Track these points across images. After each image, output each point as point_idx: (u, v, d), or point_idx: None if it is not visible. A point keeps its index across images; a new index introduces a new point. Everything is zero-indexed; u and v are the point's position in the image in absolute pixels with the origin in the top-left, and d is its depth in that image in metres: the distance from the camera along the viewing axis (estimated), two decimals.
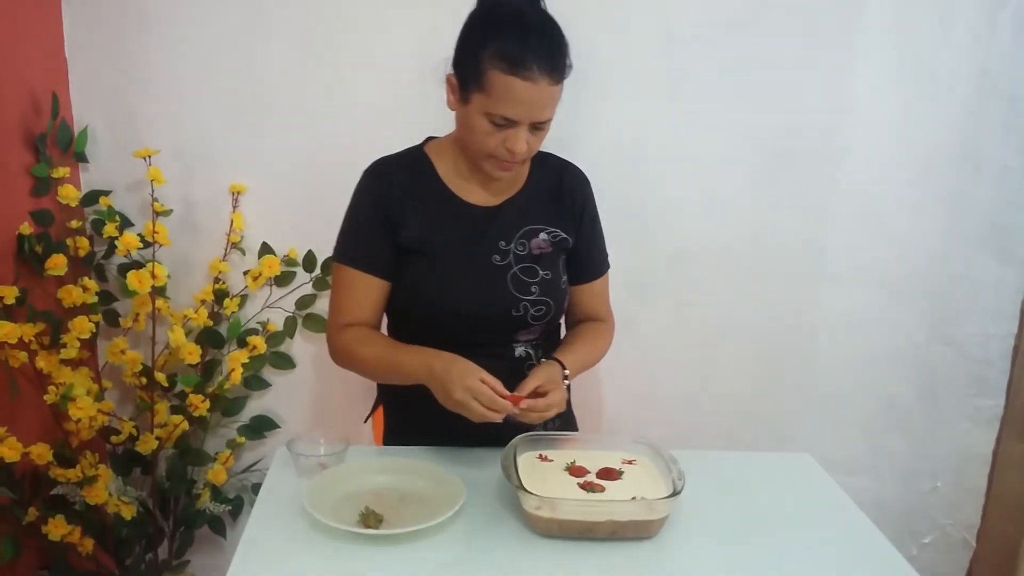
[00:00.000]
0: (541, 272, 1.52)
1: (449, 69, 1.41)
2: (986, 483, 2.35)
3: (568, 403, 1.63)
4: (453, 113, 1.44)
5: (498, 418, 1.32)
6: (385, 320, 1.57)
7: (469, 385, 1.30)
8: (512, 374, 1.49)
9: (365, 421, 1.74)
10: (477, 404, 1.30)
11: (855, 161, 2.10)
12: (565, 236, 1.55)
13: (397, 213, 1.47)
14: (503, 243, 1.50)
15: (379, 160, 1.54)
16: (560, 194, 1.57)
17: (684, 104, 2.03)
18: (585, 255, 1.61)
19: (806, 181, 2.10)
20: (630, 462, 1.40)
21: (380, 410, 1.69)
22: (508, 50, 1.30)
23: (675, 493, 1.25)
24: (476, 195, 1.52)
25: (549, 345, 1.59)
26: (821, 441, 2.21)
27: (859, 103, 2.06)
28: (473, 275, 1.48)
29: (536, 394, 1.37)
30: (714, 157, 2.07)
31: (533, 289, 1.51)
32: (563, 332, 1.66)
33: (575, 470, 1.36)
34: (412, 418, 1.56)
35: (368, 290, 1.49)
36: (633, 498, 1.26)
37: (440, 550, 1.22)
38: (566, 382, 1.46)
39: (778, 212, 2.12)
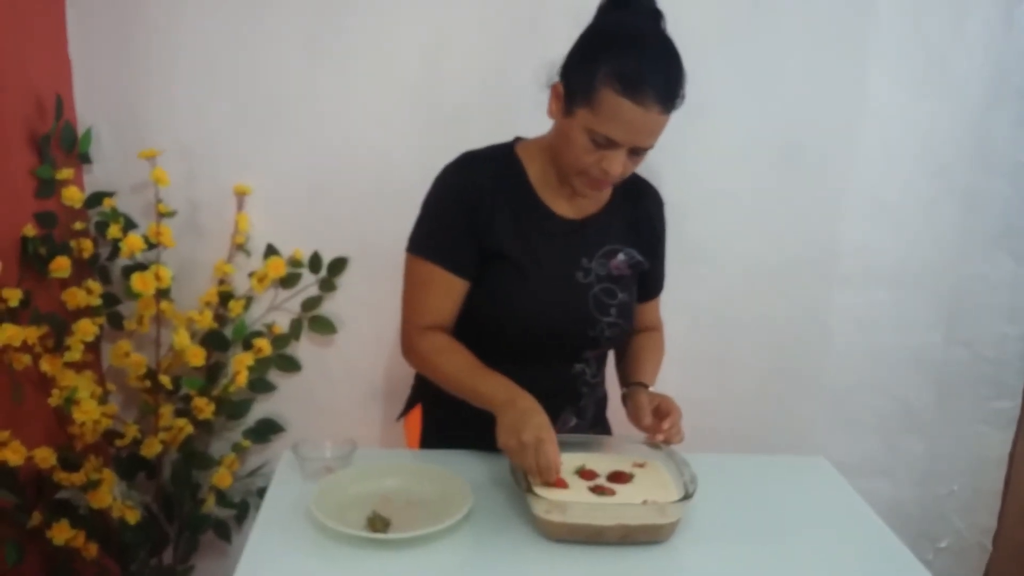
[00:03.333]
0: (620, 294, 1.49)
1: (555, 77, 1.37)
2: (1002, 486, 2.32)
3: (603, 409, 1.66)
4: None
5: (543, 477, 1.27)
6: None
7: (542, 437, 1.26)
8: (567, 390, 1.52)
9: (397, 420, 1.70)
10: (534, 455, 1.26)
11: (868, 160, 2.07)
12: (641, 260, 1.53)
13: (486, 212, 1.41)
14: (585, 260, 1.47)
15: (467, 153, 1.47)
16: (639, 217, 1.55)
17: (695, 103, 2.01)
18: (654, 276, 1.62)
19: (819, 180, 2.08)
20: (641, 465, 1.38)
21: (413, 411, 1.64)
22: (624, 71, 1.26)
23: (687, 497, 1.23)
24: (562, 206, 1.47)
25: (601, 360, 1.60)
26: (835, 444, 2.20)
27: (872, 101, 2.04)
28: (559, 290, 1.45)
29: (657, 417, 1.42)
30: (726, 156, 2.05)
31: (612, 311, 1.48)
32: None
33: (585, 474, 1.34)
34: (454, 420, 1.51)
35: (450, 290, 1.43)
36: (644, 502, 1.24)
37: (448, 554, 1.20)
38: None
39: (791, 212, 2.10)
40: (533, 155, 1.47)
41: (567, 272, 1.46)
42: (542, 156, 1.46)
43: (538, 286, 1.43)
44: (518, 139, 1.52)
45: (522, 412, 1.29)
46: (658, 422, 1.41)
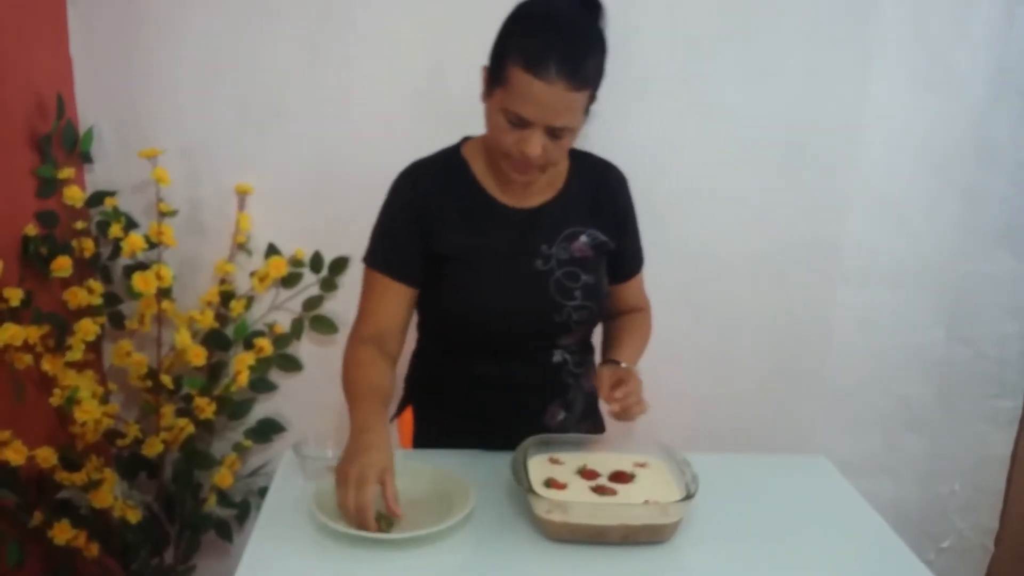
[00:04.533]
0: (584, 276, 1.49)
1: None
2: (1005, 486, 2.32)
3: (594, 403, 1.65)
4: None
5: (355, 519, 1.19)
6: (415, 320, 1.55)
7: (366, 476, 1.18)
8: (552, 383, 1.52)
9: (391, 421, 1.70)
10: (353, 493, 1.18)
11: (870, 158, 2.07)
12: (606, 239, 1.52)
13: (434, 219, 1.44)
14: (545, 247, 1.47)
15: (414, 164, 1.50)
16: (601, 196, 1.54)
17: (698, 102, 2.01)
18: (627, 255, 1.61)
19: (821, 179, 2.08)
20: (642, 465, 1.38)
21: (405, 412, 1.65)
22: (528, 48, 1.28)
23: (688, 496, 1.23)
24: (514, 197, 1.48)
25: (585, 350, 1.59)
26: (837, 443, 2.19)
27: (874, 100, 2.04)
28: (516, 281, 1.45)
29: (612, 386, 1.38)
30: (728, 155, 2.05)
31: (576, 294, 1.48)
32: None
33: (587, 473, 1.34)
34: (445, 419, 1.54)
35: (397, 297, 1.45)
36: (646, 502, 1.24)
37: (450, 554, 1.20)
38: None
39: (793, 210, 2.09)
40: (477, 152, 1.49)
41: (524, 261, 1.46)
42: (485, 149, 1.48)
43: (495, 280, 1.44)
44: (466, 138, 1.53)
45: (362, 446, 1.23)
46: (612, 393, 1.37)
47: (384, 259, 1.46)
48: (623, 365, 1.48)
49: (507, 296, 1.44)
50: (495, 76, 1.33)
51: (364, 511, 1.18)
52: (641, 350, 1.60)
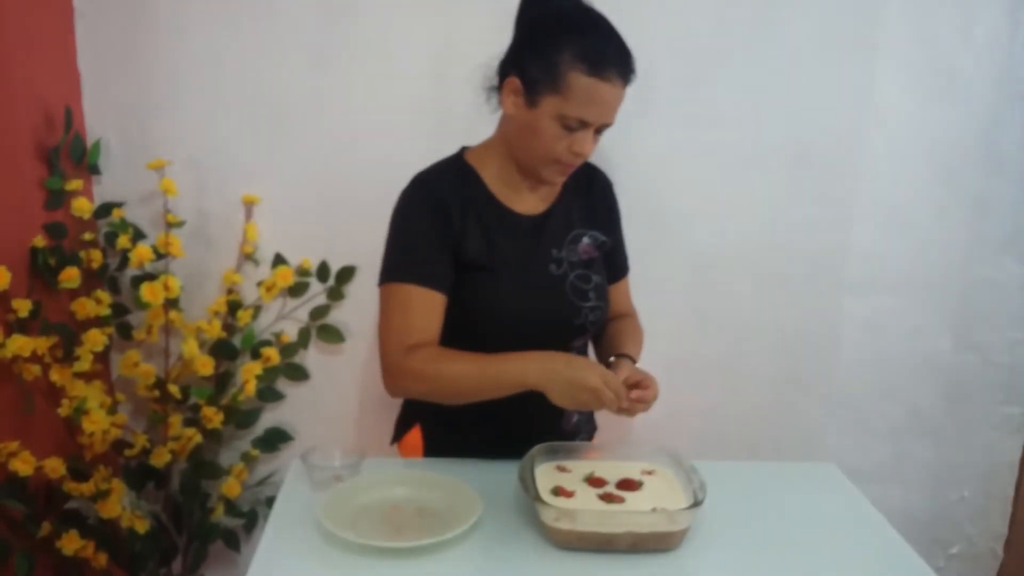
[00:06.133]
0: (594, 277, 1.51)
1: (493, 77, 1.42)
2: (1014, 492, 2.30)
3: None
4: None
5: (623, 407, 1.32)
6: None
7: (602, 373, 1.29)
8: None
9: (392, 444, 1.68)
10: (610, 392, 1.29)
11: (876, 165, 2.07)
12: (604, 239, 1.55)
13: (457, 225, 1.42)
14: (555, 251, 1.48)
15: (424, 173, 1.48)
16: (595, 197, 1.58)
17: (703, 111, 2.02)
18: (617, 255, 1.64)
19: (826, 185, 2.07)
20: (650, 472, 1.38)
21: (407, 434, 1.62)
22: (590, 52, 1.30)
23: (696, 504, 1.23)
24: (522, 204, 1.49)
25: (586, 350, 1.61)
26: (845, 450, 2.19)
27: (880, 106, 2.03)
28: (535, 288, 1.46)
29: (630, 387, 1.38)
30: (733, 162, 2.05)
31: (591, 295, 1.49)
32: None
33: (594, 481, 1.34)
34: (460, 430, 1.52)
35: (431, 306, 1.40)
36: (654, 509, 1.24)
37: (457, 563, 1.20)
38: None
39: (799, 217, 2.09)
40: (484, 160, 1.49)
41: (540, 267, 1.47)
42: (494, 158, 1.48)
43: (516, 288, 1.44)
44: (464, 148, 1.53)
45: (566, 369, 1.30)
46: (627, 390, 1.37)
47: (414, 271, 1.40)
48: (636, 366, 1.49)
49: (530, 303, 1.44)
50: (545, 84, 1.32)
51: (621, 389, 1.30)
52: (641, 351, 1.61)
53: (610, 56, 1.32)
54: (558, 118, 1.33)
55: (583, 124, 1.34)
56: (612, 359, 1.51)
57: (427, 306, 1.40)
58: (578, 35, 1.32)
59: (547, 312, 1.46)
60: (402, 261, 1.42)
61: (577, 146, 1.36)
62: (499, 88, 1.43)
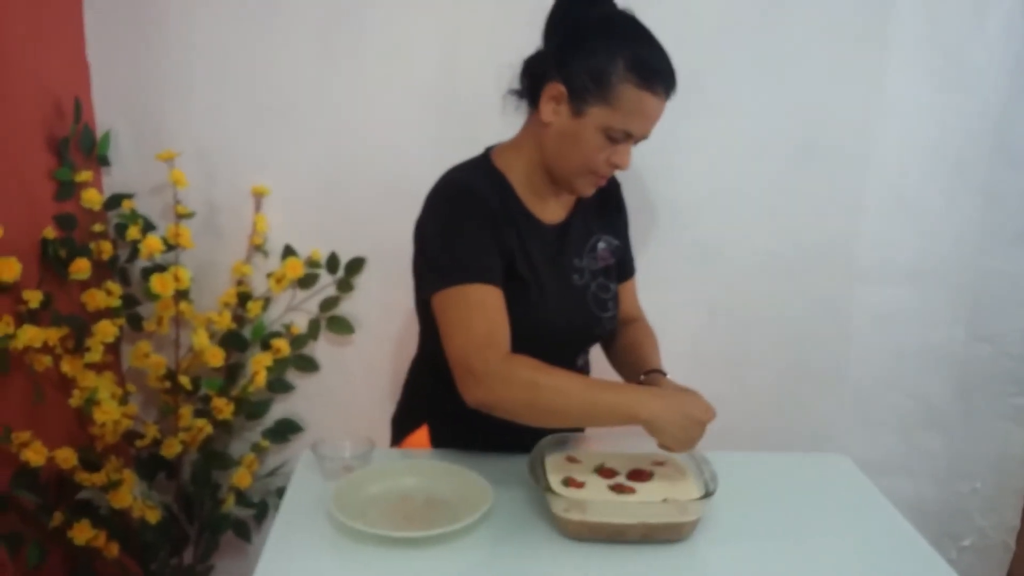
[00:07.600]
0: (612, 286, 1.49)
1: (518, 78, 1.39)
2: None
3: None
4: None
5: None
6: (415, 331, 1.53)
7: (708, 406, 1.27)
8: None
9: (393, 446, 1.64)
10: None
11: (886, 155, 2.05)
12: (618, 243, 1.53)
13: (501, 226, 1.34)
14: (577, 260, 1.46)
15: (456, 171, 1.41)
16: (605, 199, 1.55)
17: (711, 99, 2.00)
18: (626, 255, 1.61)
19: (837, 176, 2.06)
20: (661, 463, 1.37)
21: (413, 434, 1.58)
22: (642, 63, 1.27)
23: (708, 495, 1.23)
24: (546, 212, 1.45)
25: (588, 365, 1.59)
26: (857, 442, 2.18)
27: (890, 96, 2.02)
28: (562, 299, 1.43)
29: None
30: (742, 153, 2.04)
31: (610, 305, 1.48)
32: None
33: (604, 472, 1.33)
34: (464, 434, 1.48)
35: (499, 304, 1.30)
36: (664, 500, 1.23)
37: (467, 554, 1.20)
38: None
39: (809, 208, 2.08)
40: (512, 165, 1.42)
41: (564, 279, 1.44)
42: (521, 163, 1.42)
43: (543, 300, 1.40)
44: (489, 149, 1.47)
45: (686, 403, 1.26)
46: None
47: (478, 268, 1.30)
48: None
49: (557, 315, 1.41)
50: (594, 94, 1.28)
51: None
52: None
53: (661, 69, 1.29)
54: (603, 129, 1.29)
55: (627, 136, 1.31)
56: (643, 376, 1.46)
57: (499, 304, 1.30)
58: (630, 45, 1.28)
59: (570, 323, 1.44)
60: (462, 262, 1.30)
61: (617, 158, 1.33)
62: (530, 91, 1.38)
